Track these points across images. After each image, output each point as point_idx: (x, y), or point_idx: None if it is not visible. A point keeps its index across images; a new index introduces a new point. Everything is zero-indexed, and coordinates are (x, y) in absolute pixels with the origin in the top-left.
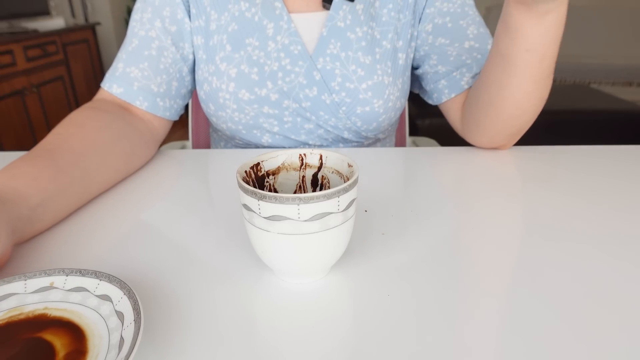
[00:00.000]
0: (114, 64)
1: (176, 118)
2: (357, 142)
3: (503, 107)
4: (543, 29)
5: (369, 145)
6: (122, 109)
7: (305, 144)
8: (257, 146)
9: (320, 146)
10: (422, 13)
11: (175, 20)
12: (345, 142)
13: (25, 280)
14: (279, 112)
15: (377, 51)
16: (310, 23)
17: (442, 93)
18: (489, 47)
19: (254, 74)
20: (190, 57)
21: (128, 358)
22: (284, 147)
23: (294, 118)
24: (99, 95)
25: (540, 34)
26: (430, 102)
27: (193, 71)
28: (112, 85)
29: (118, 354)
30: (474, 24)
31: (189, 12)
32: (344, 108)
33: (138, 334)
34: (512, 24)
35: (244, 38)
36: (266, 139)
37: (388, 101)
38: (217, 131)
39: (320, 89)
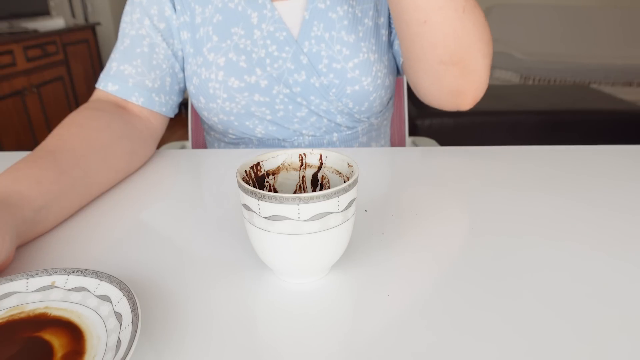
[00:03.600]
0: (107, 65)
1: (172, 115)
2: (350, 127)
3: (398, 11)
4: None
5: (363, 133)
6: (120, 108)
7: (298, 133)
8: (250, 138)
9: (314, 135)
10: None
11: (164, 18)
12: (339, 129)
13: (27, 279)
14: (270, 100)
15: (360, 29)
16: (293, 9)
17: (398, 55)
18: None
19: (242, 61)
20: (180, 53)
21: None
22: (278, 138)
23: (285, 105)
24: (95, 95)
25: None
26: (404, 74)
27: (183, 68)
28: (107, 84)
29: (115, 356)
30: None
31: (175, 9)
32: (333, 90)
33: (135, 337)
34: None
35: (230, 27)
36: (259, 130)
37: (376, 78)
38: (210, 132)
39: (308, 73)
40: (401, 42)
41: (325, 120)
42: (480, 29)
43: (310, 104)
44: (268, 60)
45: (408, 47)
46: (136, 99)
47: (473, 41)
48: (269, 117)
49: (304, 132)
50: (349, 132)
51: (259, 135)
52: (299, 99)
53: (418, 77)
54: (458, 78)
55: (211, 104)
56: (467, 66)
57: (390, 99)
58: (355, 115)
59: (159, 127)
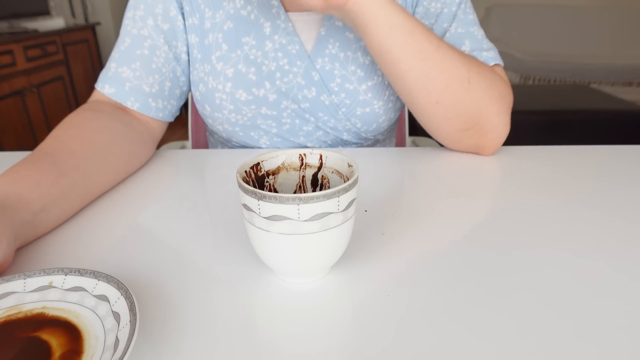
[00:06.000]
0: (107, 64)
1: (170, 119)
2: (356, 143)
3: (410, 97)
4: (367, 39)
5: (368, 146)
6: (118, 110)
7: (303, 146)
8: (254, 148)
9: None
10: (413, 12)
11: (168, 18)
12: (345, 144)
13: (25, 279)
14: (277, 114)
15: None
16: (308, 22)
17: None
18: (464, 47)
19: (252, 73)
20: (183, 56)
21: (122, 359)
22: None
23: (292, 119)
24: (94, 96)
25: (368, 42)
26: None
27: (187, 72)
28: (104, 85)
29: (113, 355)
30: (456, 23)
31: (182, 9)
32: (343, 109)
33: (133, 336)
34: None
35: (241, 37)
36: (264, 141)
37: (388, 102)
38: (213, 134)
39: (319, 90)
40: (418, 119)
41: (331, 135)
42: (489, 92)
43: (318, 120)
44: (278, 74)
45: (425, 123)
46: (132, 104)
47: (483, 106)
48: (274, 130)
49: (309, 145)
50: (355, 146)
51: (263, 146)
52: (306, 115)
53: (438, 139)
54: (476, 138)
55: (216, 114)
56: (482, 127)
57: (398, 119)
58: (362, 134)
59: (158, 129)
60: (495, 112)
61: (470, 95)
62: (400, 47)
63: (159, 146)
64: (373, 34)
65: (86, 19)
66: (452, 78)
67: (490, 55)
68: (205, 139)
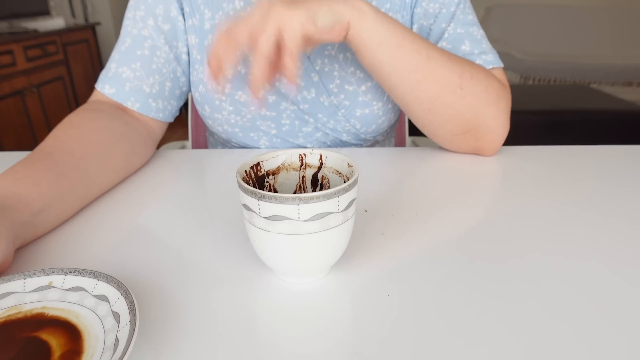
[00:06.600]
0: (107, 64)
1: (170, 120)
2: (355, 144)
3: (404, 106)
4: (357, 56)
5: (367, 147)
6: (119, 110)
7: (302, 147)
8: (253, 149)
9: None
10: (412, 13)
11: (169, 18)
12: (344, 144)
13: (25, 279)
14: (277, 115)
15: None
16: None
17: None
18: (464, 47)
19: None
20: (184, 57)
21: (122, 359)
22: None
23: (292, 121)
24: (94, 96)
25: (359, 58)
26: None
27: (187, 72)
28: (105, 85)
29: (112, 355)
30: (454, 24)
31: (182, 10)
32: (342, 110)
33: (133, 336)
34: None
35: None
36: (263, 142)
37: (387, 103)
38: (213, 135)
39: (318, 91)
40: (414, 123)
41: (330, 136)
42: (483, 96)
43: (317, 121)
44: (277, 76)
45: (421, 128)
46: (132, 104)
47: (478, 110)
48: (273, 131)
49: (308, 146)
50: (354, 147)
51: (263, 147)
52: (306, 116)
53: (436, 142)
54: (473, 141)
55: (216, 114)
56: (479, 130)
57: (398, 119)
58: (362, 135)
59: (158, 129)
60: (491, 115)
61: (463, 101)
62: (389, 61)
63: (159, 146)
64: (363, 53)
65: (86, 19)
66: (444, 86)
67: (489, 59)
68: (205, 139)
